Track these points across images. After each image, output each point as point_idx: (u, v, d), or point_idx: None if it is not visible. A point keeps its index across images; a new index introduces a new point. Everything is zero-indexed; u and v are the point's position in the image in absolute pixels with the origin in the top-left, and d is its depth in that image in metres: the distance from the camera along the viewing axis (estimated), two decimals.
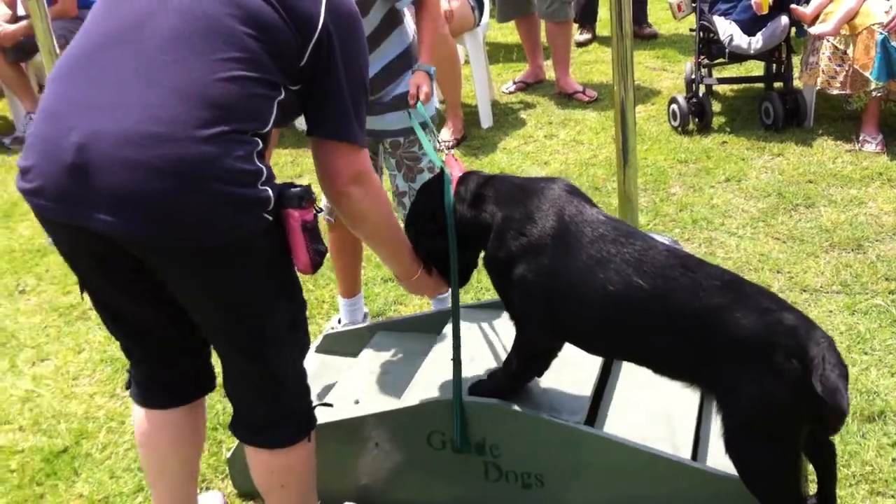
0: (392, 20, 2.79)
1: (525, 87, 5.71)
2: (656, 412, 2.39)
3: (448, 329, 2.69)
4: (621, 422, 2.35)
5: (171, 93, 1.71)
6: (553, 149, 4.76)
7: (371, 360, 2.81)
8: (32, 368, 3.34)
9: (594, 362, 2.47)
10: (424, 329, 2.85)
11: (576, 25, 6.46)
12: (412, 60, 2.85)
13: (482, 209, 2.18)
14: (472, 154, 4.76)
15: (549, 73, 5.71)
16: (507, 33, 6.65)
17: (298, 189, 1.84)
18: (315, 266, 1.88)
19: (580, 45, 6.40)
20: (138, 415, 2.14)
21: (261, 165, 1.77)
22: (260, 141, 1.78)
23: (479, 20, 5.11)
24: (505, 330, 2.61)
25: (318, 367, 2.93)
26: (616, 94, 3.43)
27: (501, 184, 2.22)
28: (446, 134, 4.85)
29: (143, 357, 2.09)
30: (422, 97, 2.74)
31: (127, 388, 2.18)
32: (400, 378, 2.62)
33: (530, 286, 2.08)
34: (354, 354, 2.88)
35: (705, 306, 1.90)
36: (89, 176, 1.68)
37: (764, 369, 1.84)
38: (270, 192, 1.78)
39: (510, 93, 5.67)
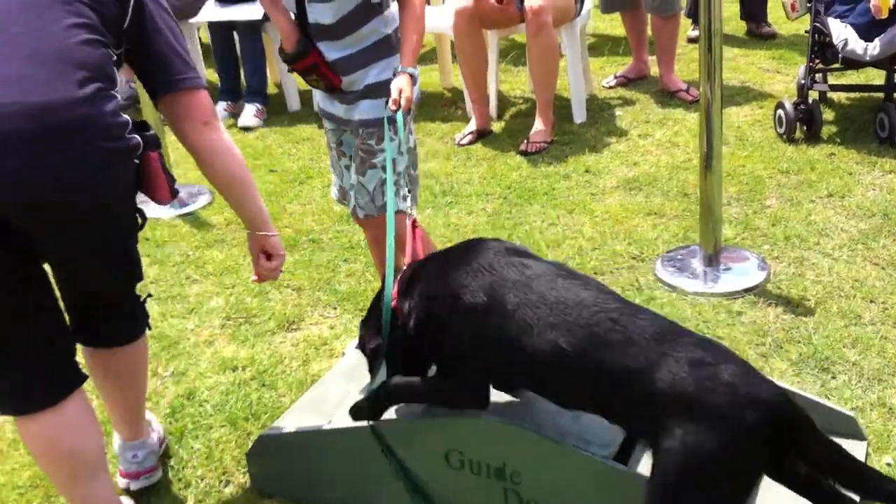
0: (370, 9, 2.63)
1: (626, 82, 5.44)
2: None
3: None
4: None
5: (38, 60, 1.86)
6: (646, 149, 4.50)
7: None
8: None
9: None
10: None
11: (689, 21, 6.14)
12: (391, 52, 2.68)
13: (412, 295, 2.17)
14: (559, 151, 4.55)
15: (655, 70, 5.43)
16: (616, 25, 6.37)
17: (152, 132, 2.06)
18: (173, 195, 2.12)
19: (692, 41, 6.08)
20: (31, 426, 2.12)
21: (126, 116, 1.98)
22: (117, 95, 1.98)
23: (580, 11, 4.88)
24: None
25: (355, 363, 2.79)
26: (702, 95, 3.19)
27: (430, 263, 2.23)
28: (538, 131, 4.62)
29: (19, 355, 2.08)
30: (403, 103, 2.56)
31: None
32: None
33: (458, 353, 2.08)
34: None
35: (635, 362, 1.81)
36: None
37: (690, 427, 1.71)
38: (138, 138, 1.99)
39: (610, 87, 5.41)
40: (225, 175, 2.24)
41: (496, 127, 4.96)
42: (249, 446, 2.54)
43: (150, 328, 2.45)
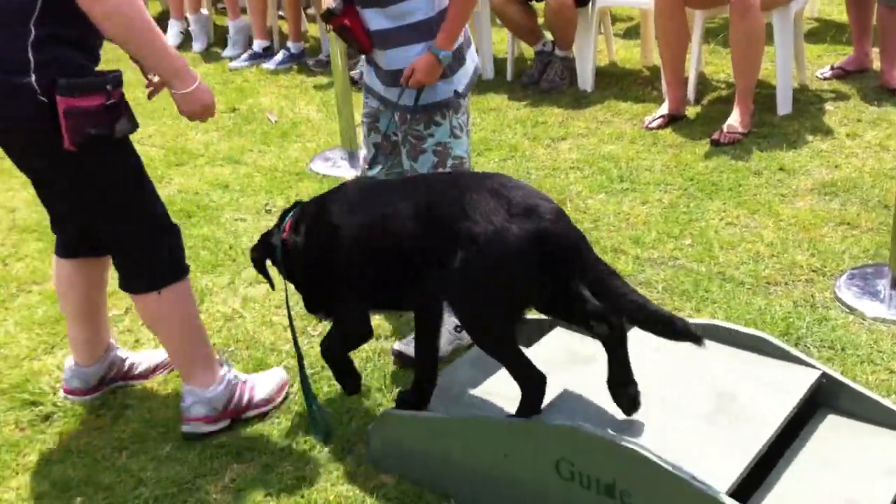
0: None
1: (844, 74, 5.00)
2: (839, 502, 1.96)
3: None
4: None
5: None
6: (851, 151, 4.13)
7: (539, 355, 2.55)
8: (247, 289, 3.43)
9: (771, 420, 2.07)
10: None
11: None
12: (433, 36, 2.58)
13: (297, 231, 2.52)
14: (755, 144, 4.25)
15: (877, 63, 4.97)
16: (843, 10, 5.88)
17: (76, 80, 2.20)
18: (73, 143, 2.21)
19: None
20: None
21: (32, 55, 2.16)
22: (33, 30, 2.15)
23: None
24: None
25: None
26: None
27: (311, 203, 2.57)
28: (734, 121, 4.33)
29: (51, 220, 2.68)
30: (411, 83, 2.59)
31: None
32: (553, 386, 2.36)
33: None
34: (528, 345, 2.66)
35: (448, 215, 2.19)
36: None
37: (470, 244, 2.12)
38: (35, 78, 2.17)
39: (824, 78, 5.00)
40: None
41: (691, 112, 4.71)
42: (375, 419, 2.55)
43: (158, 292, 2.51)
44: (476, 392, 2.47)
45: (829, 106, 4.65)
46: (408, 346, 2.84)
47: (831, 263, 3.25)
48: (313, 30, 6.74)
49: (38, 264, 3.65)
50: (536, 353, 2.57)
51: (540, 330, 2.69)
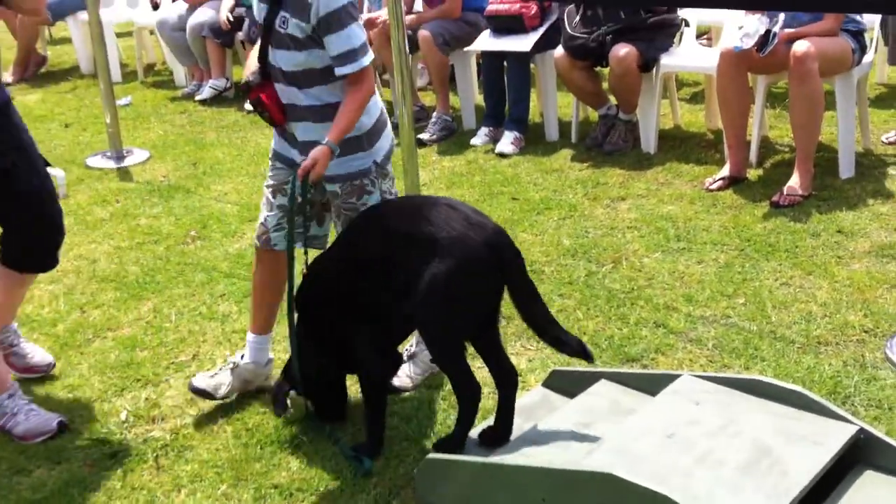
0: (328, 74, 2.77)
1: None
2: None
3: (661, 397, 2.45)
4: None
5: None
6: None
7: (582, 406, 2.63)
8: None
9: (805, 473, 2.09)
10: (645, 388, 2.61)
11: None
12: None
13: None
14: (814, 206, 4.27)
15: None
16: None
17: None
18: None
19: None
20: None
21: None
22: None
23: (859, 61, 4.55)
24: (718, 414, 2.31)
25: (539, 400, 2.82)
26: None
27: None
28: (794, 184, 4.36)
29: None
30: (312, 175, 2.71)
31: None
32: (593, 434, 2.42)
33: None
34: (572, 395, 2.72)
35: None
36: None
37: (434, 257, 2.43)
38: None
39: (889, 143, 4.99)
40: None
41: (752, 174, 4.74)
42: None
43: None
44: (520, 438, 2.54)
45: (892, 170, 4.65)
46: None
47: (884, 324, 3.25)
48: (387, 94, 6.97)
49: (114, 312, 3.85)
50: (581, 403, 2.65)
51: (583, 382, 2.74)
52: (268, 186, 3.02)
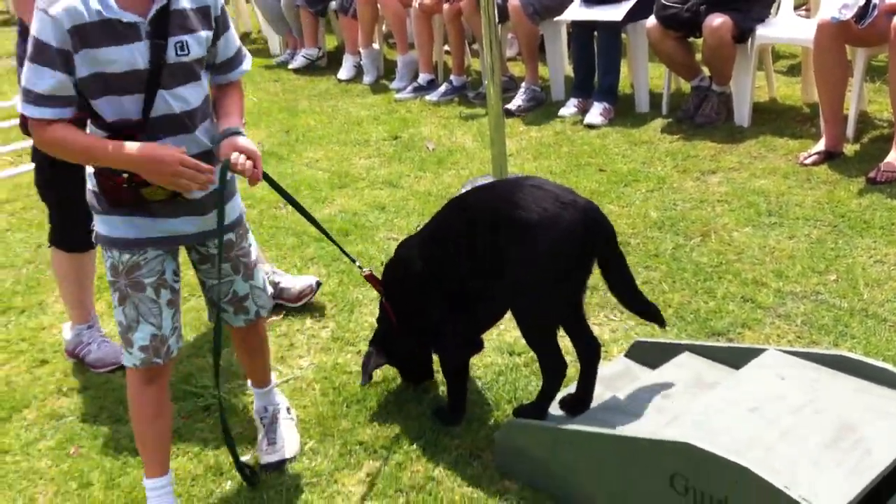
0: (208, 101, 2.39)
1: None
2: None
3: (745, 371, 2.44)
4: None
5: None
6: None
7: (664, 377, 2.63)
8: None
9: (890, 451, 2.06)
10: (729, 361, 2.60)
11: None
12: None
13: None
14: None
15: None
16: None
17: None
18: None
19: None
20: None
21: None
22: None
23: None
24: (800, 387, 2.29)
25: (621, 370, 2.83)
26: None
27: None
28: (893, 160, 4.23)
29: None
30: (246, 171, 2.26)
31: None
32: (674, 406, 2.42)
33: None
34: (654, 366, 2.73)
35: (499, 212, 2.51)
36: None
37: (528, 228, 2.41)
38: None
39: None
40: None
41: (849, 149, 4.62)
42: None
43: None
44: (600, 407, 2.56)
45: None
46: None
47: None
48: (476, 64, 6.98)
49: None
50: (663, 375, 2.65)
51: (666, 353, 2.75)
52: (139, 288, 2.35)
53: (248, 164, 2.27)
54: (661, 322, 2.59)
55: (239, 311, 2.61)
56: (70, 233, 3.26)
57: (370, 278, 2.88)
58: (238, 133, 2.33)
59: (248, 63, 2.50)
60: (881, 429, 2.14)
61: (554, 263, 2.42)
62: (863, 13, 4.16)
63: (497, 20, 4.59)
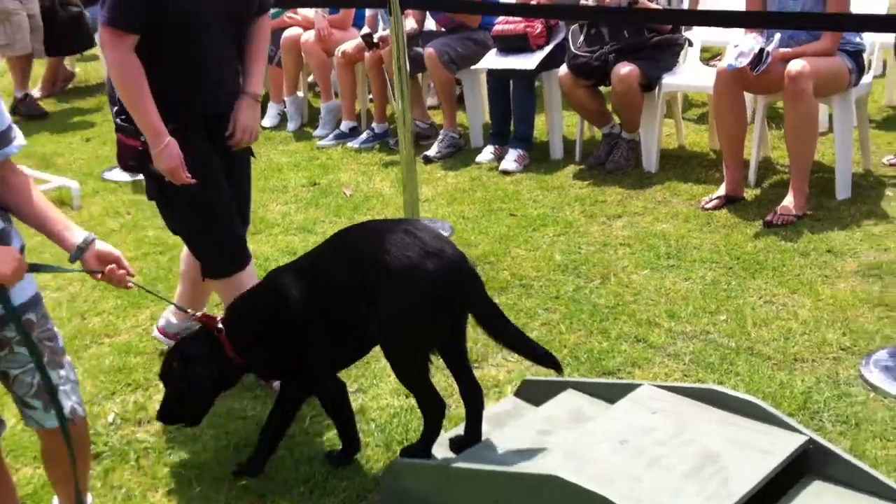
0: None
1: None
2: None
3: (618, 405, 2.50)
4: None
5: None
6: None
7: (546, 414, 2.69)
8: None
9: (749, 479, 2.13)
10: (607, 397, 2.67)
11: None
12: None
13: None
14: (807, 226, 4.29)
15: None
16: None
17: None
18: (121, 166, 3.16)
19: None
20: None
21: None
22: None
23: (856, 82, 4.56)
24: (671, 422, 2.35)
25: (509, 409, 2.88)
26: None
27: None
28: (789, 203, 4.38)
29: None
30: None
31: None
32: (551, 441, 2.47)
33: None
34: (538, 404, 2.78)
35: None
36: None
37: (393, 279, 2.49)
38: None
39: (890, 164, 5.00)
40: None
41: (750, 194, 4.77)
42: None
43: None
44: (482, 444, 2.60)
45: (890, 192, 4.65)
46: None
47: (861, 342, 3.27)
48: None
49: (113, 319, 3.96)
50: (545, 412, 2.70)
51: (551, 391, 2.80)
52: None
53: (121, 272, 2.29)
54: (557, 367, 2.62)
55: (48, 406, 2.24)
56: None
57: (203, 318, 2.80)
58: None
59: (18, 143, 2.22)
60: (740, 459, 2.21)
61: (413, 311, 2.49)
62: (757, 61, 4.33)
63: (408, 68, 4.69)
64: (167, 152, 2.90)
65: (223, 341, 2.75)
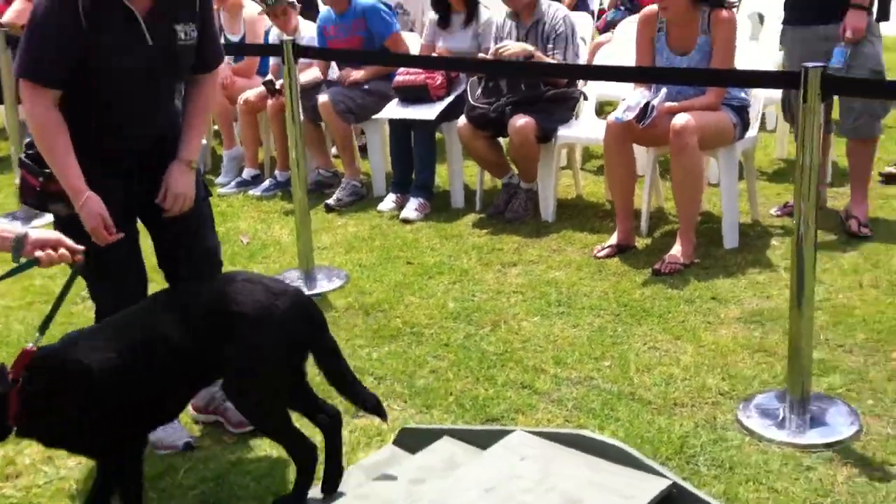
0: None
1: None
2: None
3: (489, 452, 2.50)
4: None
5: None
6: (787, 283, 4.19)
7: (420, 462, 2.67)
8: None
9: None
10: (480, 443, 2.66)
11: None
12: None
13: None
14: (694, 274, 4.38)
15: (836, 202, 5.12)
16: None
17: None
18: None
19: (889, 178, 5.64)
20: None
21: None
22: None
23: (741, 135, 4.72)
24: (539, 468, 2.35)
25: (386, 458, 2.85)
26: (794, 227, 3.02)
27: None
28: (676, 252, 4.48)
29: None
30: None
31: None
32: (420, 490, 2.44)
33: None
34: (414, 452, 2.76)
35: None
36: None
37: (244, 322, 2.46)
38: None
39: (777, 216, 5.15)
40: None
41: (641, 243, 4.86)
42: None
43: None
44: (352, 494, 2.57)
45: (775, 241, 4.79)
46: None
47: (740, 387, 3.33)
48: None
49: None
50: (418, 460, 2.68)
51: (428, 438, 2.78)
52: None
53: (62, 252, 2.34)
54: (381, 415, 2.69)
55: None
56: None
57: (24, 354, 2.36)
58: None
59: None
60: (601, 502, 2.21)
61: (273, 353, 2.49)
62: (642, 114, 4.45)
63: (312, 117, 4.67)
64: (86, 210, 2.72)
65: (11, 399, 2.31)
